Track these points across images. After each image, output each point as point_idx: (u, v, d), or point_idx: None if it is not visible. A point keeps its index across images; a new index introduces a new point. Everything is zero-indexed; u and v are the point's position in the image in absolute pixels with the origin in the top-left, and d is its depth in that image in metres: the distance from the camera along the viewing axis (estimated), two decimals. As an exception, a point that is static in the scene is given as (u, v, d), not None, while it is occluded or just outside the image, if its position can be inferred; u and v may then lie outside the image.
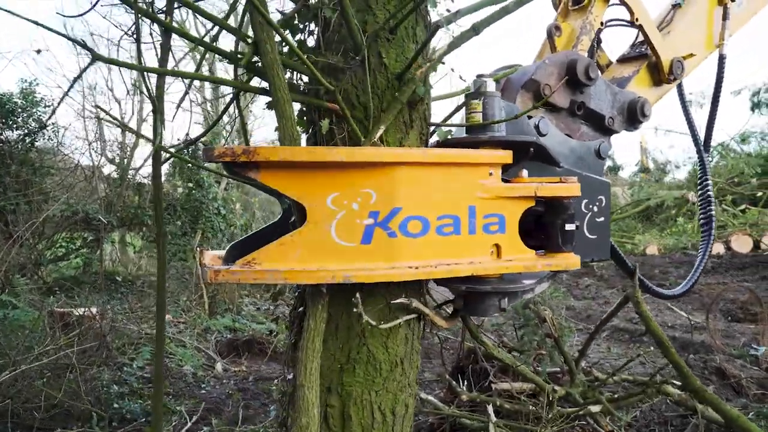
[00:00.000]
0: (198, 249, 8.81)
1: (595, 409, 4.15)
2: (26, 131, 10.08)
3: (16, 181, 9.54)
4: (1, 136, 9.25)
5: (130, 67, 2.57)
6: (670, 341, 6.88)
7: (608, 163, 27.22)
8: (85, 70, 2.90)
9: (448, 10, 2.44)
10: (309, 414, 2.13)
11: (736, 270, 13.11)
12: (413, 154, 2.23)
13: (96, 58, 2.20)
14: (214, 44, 2.51)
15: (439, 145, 2.53)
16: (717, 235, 16.85)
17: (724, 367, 5.30)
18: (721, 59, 3.73)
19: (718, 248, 15.88)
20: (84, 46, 2.39)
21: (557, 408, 3.97)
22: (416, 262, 2.18)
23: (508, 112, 2.48)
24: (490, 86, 2.36)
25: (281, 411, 2.55)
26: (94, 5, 2.33)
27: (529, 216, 2.46)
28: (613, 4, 3.22)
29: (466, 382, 4.54)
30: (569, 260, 2.45)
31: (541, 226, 2.51)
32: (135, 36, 2.40)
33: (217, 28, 2.54)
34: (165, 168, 13.34)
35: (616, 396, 4.45)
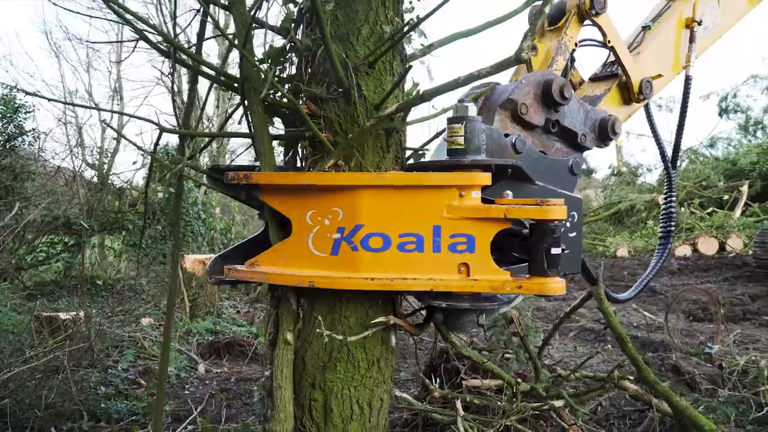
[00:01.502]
0: (180, 254, 8.93)
1: (558, 403, 4.45)
2: (6, 137, 10.17)
3: (-4, 186, 9.66)
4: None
5: (183, 133, 2.92)
6: (633, 340, 7.27)
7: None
8: (157, 142, 3.27)
9: (422, 44, 2.73)
10: (286, 410, 2.52)
11: (700, 271, 13.56)
12: (366, 177, 2.48)
13: (162, 130, 2.59)
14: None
15: (419, 168, 2.72)
16: (685, 237, 17.39)
17: (679, 365, 5.66)
18: (687, 80, 3.85)
19: (686, 250, 16.41)
20: (149, 121, 2.73)
21: (523, 402, 4.27)
22: (374, 274, 2.43)
23: (488, 135, 2.57)
24: (471, 111, 2.49)
25: (263, 408, 2.79)
26: (134, 48, 2.59)
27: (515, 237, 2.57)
28: (586, 25, 3.34)
29: (438, 380, 4.81)
30: (551, 285, 2.33)
31: (527, 248, 2.44)
32: (170, 78, 2.70)
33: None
34: (144, 173, 13.49)
35: (577, 391, 4.76)
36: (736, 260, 14.06)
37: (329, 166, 2.58)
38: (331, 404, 2.62)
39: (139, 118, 3.34)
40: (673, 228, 4.07)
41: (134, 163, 12.34)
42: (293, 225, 2.56)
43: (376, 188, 2.44)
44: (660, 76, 3.62)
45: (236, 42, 2.51)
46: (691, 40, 3.74)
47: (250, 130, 2.67)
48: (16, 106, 10.33)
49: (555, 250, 2.32)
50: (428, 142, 2.81)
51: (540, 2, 3.10)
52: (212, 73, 2.85)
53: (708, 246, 16.37)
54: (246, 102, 2.66)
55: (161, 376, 3.24)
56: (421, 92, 2.76)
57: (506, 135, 2.74)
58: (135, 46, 3.62)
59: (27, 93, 9.92)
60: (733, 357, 5.92)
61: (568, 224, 2.82)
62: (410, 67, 2.41)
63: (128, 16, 2.65)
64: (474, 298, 2.50)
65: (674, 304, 7.17)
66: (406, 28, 2.57)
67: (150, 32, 2.65)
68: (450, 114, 2.54)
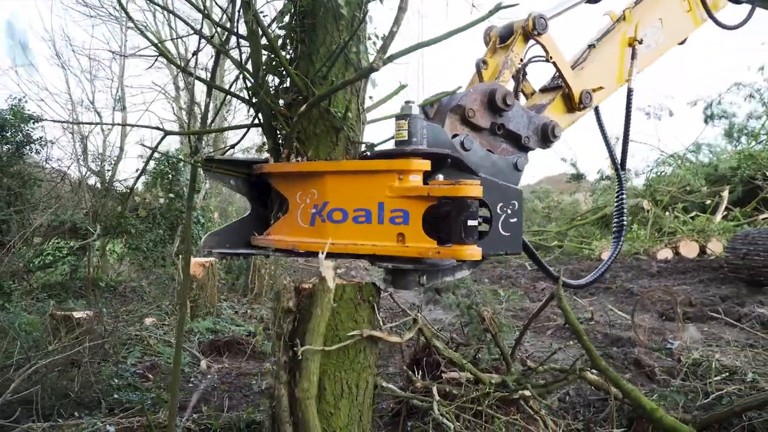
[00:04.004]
0: (180, 256, 9.57)
1: (527, 393, 4.99)
2: (15, 145, 10.66)
3: (7, 193, 10.13)
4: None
5: (185, 134, 3.69)
6: (604, 337, 7.84)
7: (572, 170, 28.39)
8: (157, 145, 3.95)
9: (376, 52, 3.37)
10: (311, 380, 2.99)
11: (679, 274, 14.06)
12: (328, 165, 3.14)
13: (166, 133, 3.17)
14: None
15: (371, 155, 3.27)
16: (667, 240, 17.93)
17: (640, 358, 6.22)
18: (629, 92, 4.29)
19: (667, 253, 16.93)
20: (156, 128, 3.35)
21: (495, 392, 4.79)
22: (335, 241, 3.00)
23: (430, 131, 3.01)
24: (415, 110, 2.95)
25: (273, 389, 3.29)
26: (152, 65, 3.14)
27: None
28: (532, 45, 3.74)
29: (421, 373, 5.34)
30: (466, 251, 2.68)
31: (449, 222, 2.75)
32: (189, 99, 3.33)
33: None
34: (143, 179, 14.00)
35: (546, 382, 5.30)
36: (713, 263, 14.59)
37: (285, 155, 3.31)
38: (324, 384, 3.16)
39: (146, 126, 4.05)
40: (625, 222, 4.49)
41: (137, 170, 12.82)
42: (290, 203, 3.24)
43: (336, 173, 3.05)
44: (601, 88, 4.03)
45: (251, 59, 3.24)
46: (633, 56, 4.16)
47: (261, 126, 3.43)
48: (24, 116, 10.83)
49: (471, 222, 2.70)
50: (384, 141, 3.41)
51: (493, 23, 3.70)
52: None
53: (689, 249, 16.84)
54: (260, 113, 3.48)
55: (175, 368, 3.76)
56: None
57: (456, 135, 3.19)
58: (153, 64, 4.25)
59: (37, 119, 10.51)
60: (689, 352, 6.48)
61: (509, 211, 3.23)
62: (361, 74, 3.04)
63: (150, 36, 3.24)
64: (415, 261, 2.91)
65: (640, 304, 7.72)
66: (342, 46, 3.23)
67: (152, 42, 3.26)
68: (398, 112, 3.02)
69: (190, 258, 3.89)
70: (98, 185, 12.66)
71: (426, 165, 2.88)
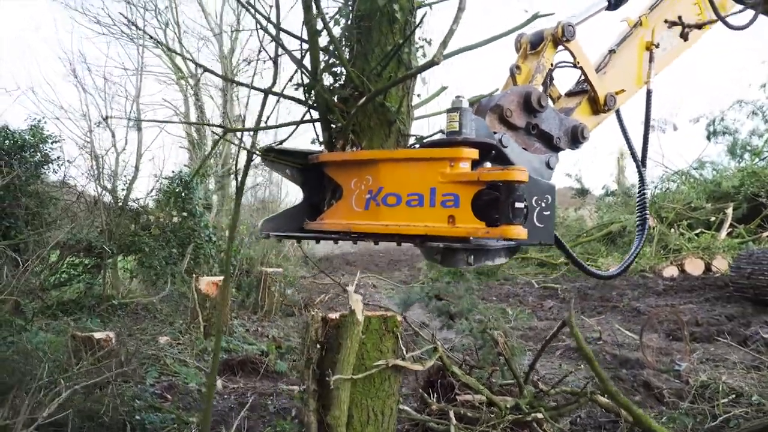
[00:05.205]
0: (194, 275, 9.75)
1: (540, 416, 5.14)
2: (33, 165, 10.89)
3: (25, 213, 10.34)
4: (13, 171, 10.04)
5: (244, 130, 4.03)
6: (613, 358, 7.97)
7: (577, 185, 28.49)
8: (219, 139, 4.14)
9: (423, 55, 3.71)
10: (341, 408, 3.19)
11: (684, 292, 14.16)
12: (384, 153, 3.40)
13: (227, 131, 3.35)
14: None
15: (425, 144, 3.57)
16: (673, 258, 18.04)
17: (649, 381, 6.36)
18: (649, 93, 4.48)
19: (673, 271, 17.03)
20: (220, 126, 3.55)
21: (509, 415, 4.95)
22: (389, 222, 3.20)
23: (477, 124, 3.24)
24: (465, 104, 3.15)
25: (304, 412, 3.47)
26: (197, 82, 3.34)
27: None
28: (561, 50, 3.94)
29: (435, 395, 5.49)
30: (513, 231, 2.86)
31: (498, 205, 3.00)
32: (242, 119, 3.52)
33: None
34: (156, 197, 14.21)
35: (557, 404, 5.45)
36: (719, 281, 14.69)
37: (340, 146, 3.56)
38: (352, 411, 3.34)
39: (209, 125, 4.26)
40: (647, 216, 4.60)
41: (152, 190, 13.06)
42: (344, 190, 3.45)
43: (391, 161, 3.28)
44: (623, 91, 4.25)
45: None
46: (651, 60, 4.38)
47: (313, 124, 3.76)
48: (43, 136, 11.08)
49: (518, 205, 2.94)
50: (435, 133, 3.63)
51: (524, 30, 3.94)
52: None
53: (694, 267, 16.92)
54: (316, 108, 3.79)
55: (209, 390, 3.93)
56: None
57: (495, 133, 3.41)
58: (198, 79, 4.50)
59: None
60: (697, 374, 6.62)
61: (543, 204, 3.39)
62: (423, 67, 3.30)
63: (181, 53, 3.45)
64: (464, 241, 3.10)
65: (647, 324, 7.86)
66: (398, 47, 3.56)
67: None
68: (449, 106, 3.23)
69: (229, 284, 4.06)
70: (112, 203, 12.87)
71: (475, 153, 3.10)
